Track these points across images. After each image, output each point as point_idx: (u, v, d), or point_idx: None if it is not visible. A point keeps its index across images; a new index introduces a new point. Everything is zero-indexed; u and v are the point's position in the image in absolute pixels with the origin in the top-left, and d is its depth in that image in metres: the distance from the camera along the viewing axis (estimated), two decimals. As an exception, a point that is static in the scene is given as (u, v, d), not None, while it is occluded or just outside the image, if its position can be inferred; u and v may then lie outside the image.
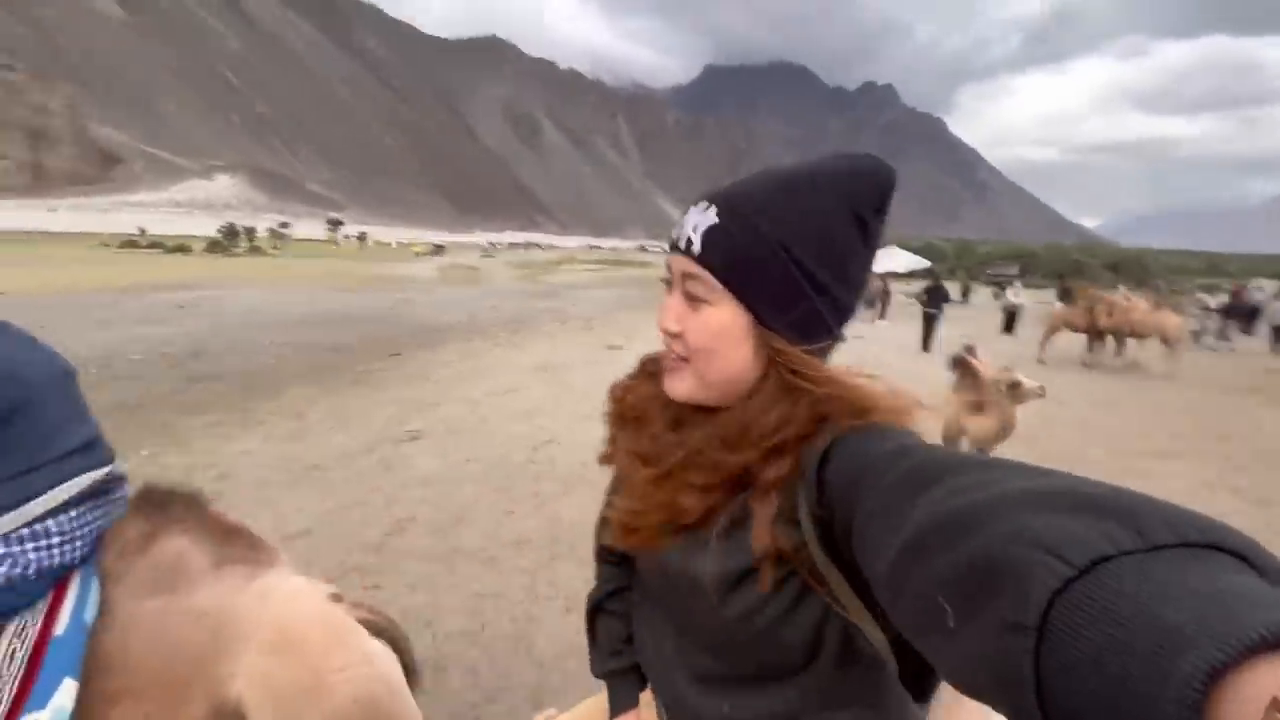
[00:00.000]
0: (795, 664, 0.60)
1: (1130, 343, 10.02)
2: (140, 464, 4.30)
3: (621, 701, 0.84)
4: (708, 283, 0.57)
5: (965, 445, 3.95)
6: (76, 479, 0.75)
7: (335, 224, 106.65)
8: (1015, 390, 3.66)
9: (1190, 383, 8.77)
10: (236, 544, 0.88)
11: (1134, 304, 10.01)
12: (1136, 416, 6.72)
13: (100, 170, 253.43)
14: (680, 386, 0.62)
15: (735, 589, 0.58)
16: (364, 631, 0.92)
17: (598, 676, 0.86)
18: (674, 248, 0.60)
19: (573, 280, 28.05)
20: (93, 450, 0.79)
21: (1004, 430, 3.79)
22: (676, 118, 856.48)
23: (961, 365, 4.00)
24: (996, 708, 0.27)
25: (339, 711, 0.81)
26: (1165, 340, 9.46)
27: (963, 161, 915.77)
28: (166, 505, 0.85)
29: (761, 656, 0.61)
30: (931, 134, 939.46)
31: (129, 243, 43.78)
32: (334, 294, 17.15)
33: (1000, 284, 23.86)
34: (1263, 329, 13.28)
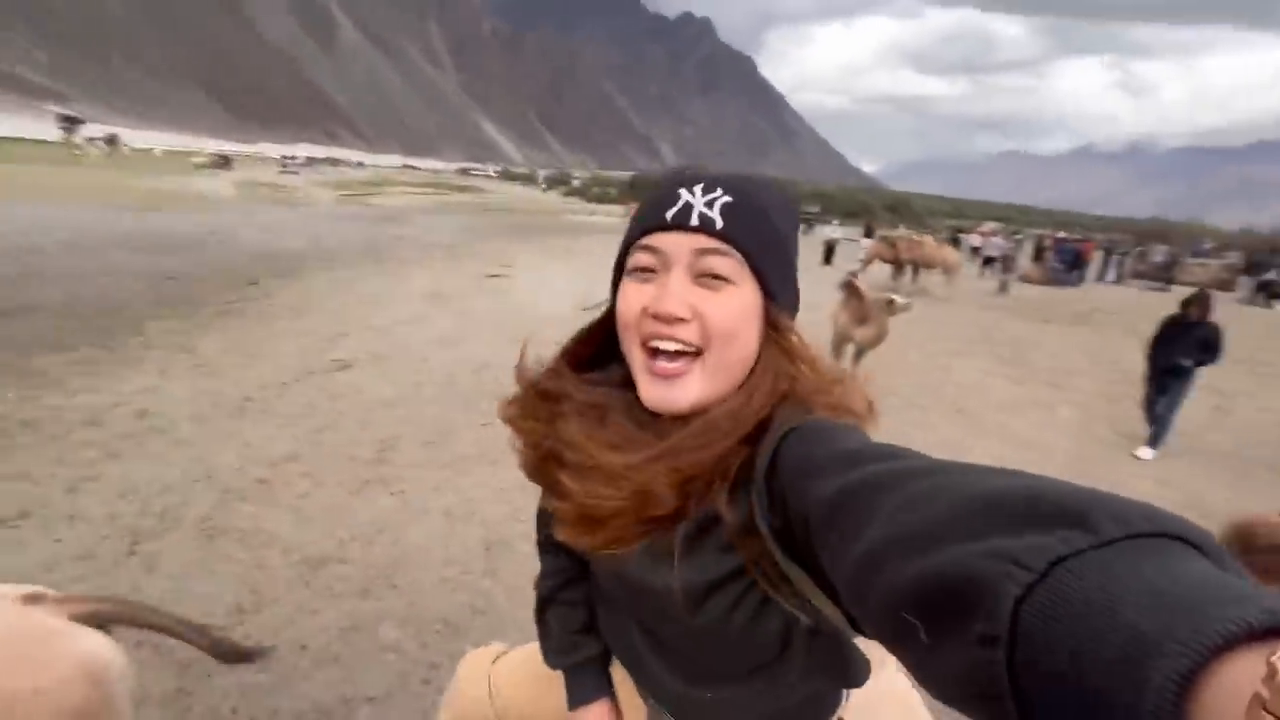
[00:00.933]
0: (770, 657, 0.62)
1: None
2: (13, 408, 3.82)
3: (582, 694, 0.79)
4: (733, 260, 0.56)
5: (851, 347, 5.13)
6: None
7: (71, 122, 79.20)
8: (890, 306, 4.84)
9: (964, 304, 11.30)
10: None
11: (925, 240, 12.39)
12: (934, 328, 8.65)
13: None
14: (689, 393, 0.57)
15: (705, 601, 0.58)
16: (76, 630, 0.85)
17: (554, 669, 0.81)
18: (671, 225, 0.56)
19: (405, 204, 26.00)
20: None
21: (880, 336, 5.03)
22: (493, 26, 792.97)
23: (849, 288, 5.10)
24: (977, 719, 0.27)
25: None
26: (946, 270, 11.93)
27: (771, 103, 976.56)
28: None
29: (737, 655, 0.62)
30: (744, 73, 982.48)
31: None
32: (128, 214, 14.31)
33: (808, 221, 26.89)
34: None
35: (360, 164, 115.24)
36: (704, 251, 0.55)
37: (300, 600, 2.37)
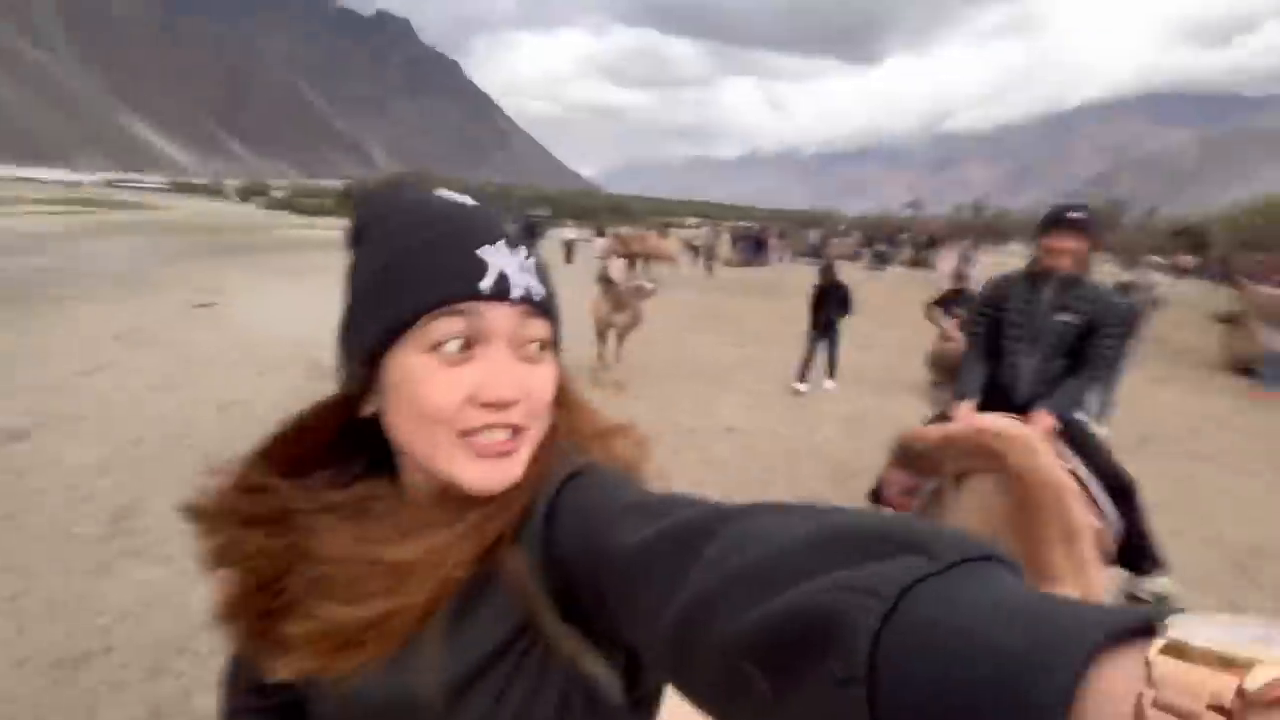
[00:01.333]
0: None
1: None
2: None
3: None
4: (549, 334, 0.50)
5: (613, 332, 5.79)
6: None
7: None
8: (641, 292, 5.59)
9: (686, 287, 13.07)
10: None
11: (649, 235, 14.01)
12: (668, 310, 9.91)
13: None
14: (516, 469, 0.48)
15: (465, 694, 0.47)
16: None
17: None
18: (489, 296, 0.46)
19: (42, 228, 19.72)
20: None
21: (636, 320, 5.80)
22: (127, 5, 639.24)
23: (604, 279, 5.76)
24: None
25: None
26: (668, 260, 13.68)
27: (483, 107, 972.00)
28: None
29: None
30: (451, 76, 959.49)
31: None
32: None
33: (538, 225, 27.92)
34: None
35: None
36: (527, 325, 0.49)
37: (67, 705, 1.98)
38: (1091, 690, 0.20)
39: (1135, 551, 2.10)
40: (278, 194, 60.58)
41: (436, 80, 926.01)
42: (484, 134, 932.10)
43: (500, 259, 0.48)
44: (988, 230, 45.70)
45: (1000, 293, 2.45)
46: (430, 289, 0.46)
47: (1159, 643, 0.19)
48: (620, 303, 5.63)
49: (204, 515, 0.51)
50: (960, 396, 2.44)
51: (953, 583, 0.25)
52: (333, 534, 0.49)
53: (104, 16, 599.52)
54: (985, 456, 1.67)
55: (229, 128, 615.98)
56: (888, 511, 1.97)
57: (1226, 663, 0.18)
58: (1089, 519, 1.68)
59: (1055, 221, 2.29)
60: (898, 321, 10.07)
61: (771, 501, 0.37)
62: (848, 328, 6.49)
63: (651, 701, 0.54)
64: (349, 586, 0.46)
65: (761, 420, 5.21)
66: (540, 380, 0.50)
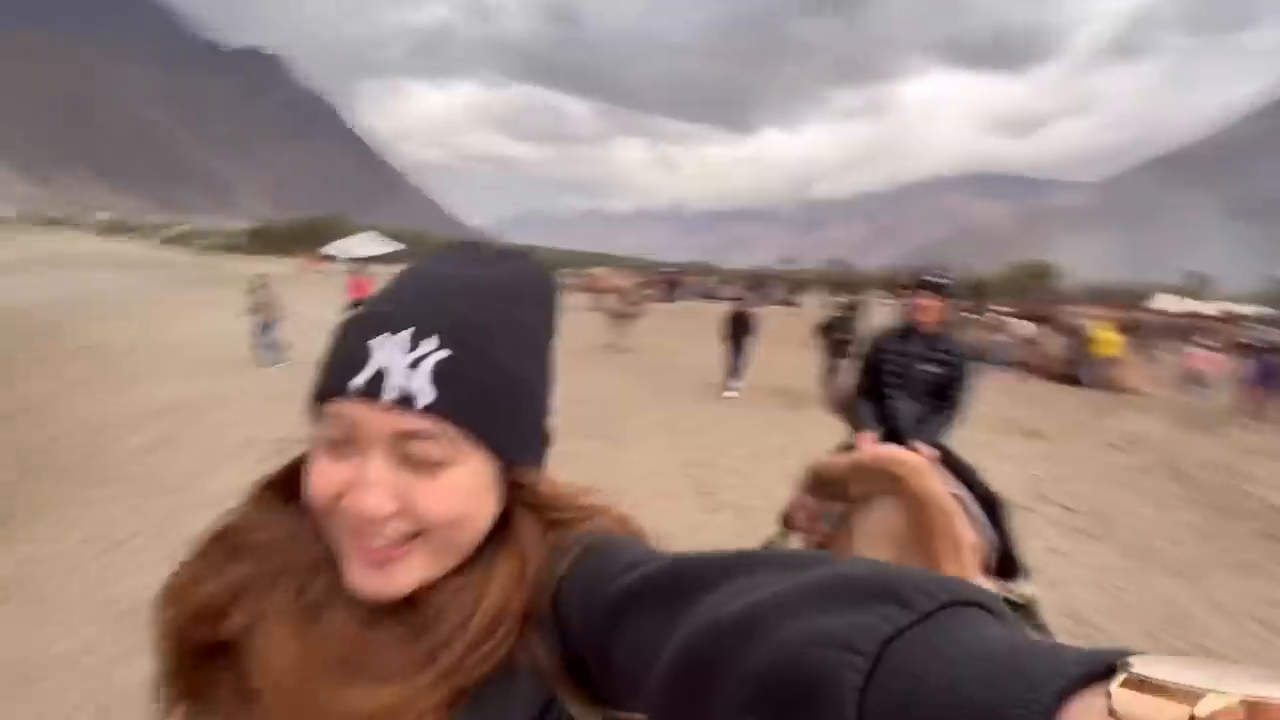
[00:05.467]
0: None
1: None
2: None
3: None
4: (448, 439, 0.44)
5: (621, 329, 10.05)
6: None
7: None
8: (637, 305, 10.00)
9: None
10: None
11: (603, 276, 18.17)
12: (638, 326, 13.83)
13: None
14: (409, 577, 0.44)
15: None
16: None
17: None
18: (359, 395, 0.43)
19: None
20: None
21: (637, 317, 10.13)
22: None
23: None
24: None
25: None
26: (619, 292, 17.75)
27: (369, 152, 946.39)
28: None
29: None
30: (332, 120, 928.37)
31: None
32: None
33: None
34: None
35: None
36: (406, 435, 0.43)
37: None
38: None
39: (1007, 561, 2.25)
40: (175, 230, 57.16)
41: (317, 123, 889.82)
42: (371, 180, 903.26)
43: (386, 354, 0.43)
44: (846, 283, 55.69)
45: (879, 344, 2.83)
46: (320, 378, 0.45)
47: (1120, 676, 0.21)
48: (626, 316, 10.30)
49: (202, 539, 0.50)
50: (859, 429, 2.72)
51: (929, 633, 0.26)
52: (278, 631, 0.44)
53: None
54: (887, 480, 1.77)
55: (77, 159, 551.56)
56: (799, 537, 2.14)
57: (1181, 694, 0.19)
58: (971, 535, 1.81)
59: (921, 284, 2.66)
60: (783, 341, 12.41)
61: (751, 551, 0.37)
62: (753, 346, 8.97)
63: None
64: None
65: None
66: (430, 496, 0.43)
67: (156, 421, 5.67)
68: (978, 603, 0.28)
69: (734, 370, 8.78)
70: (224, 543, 0.49)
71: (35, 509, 3.83)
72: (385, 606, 0.45)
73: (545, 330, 0.52)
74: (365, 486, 0.42)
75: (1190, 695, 0.19)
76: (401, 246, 32.92)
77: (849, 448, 2.60)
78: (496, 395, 0.46)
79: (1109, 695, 0.20)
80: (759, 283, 38.99)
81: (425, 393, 0.43)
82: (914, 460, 1.83)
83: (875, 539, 1.79)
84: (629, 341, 11.52)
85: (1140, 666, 0.21)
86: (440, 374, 0.43)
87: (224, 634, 0.45)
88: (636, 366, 9.84)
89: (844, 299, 13.24)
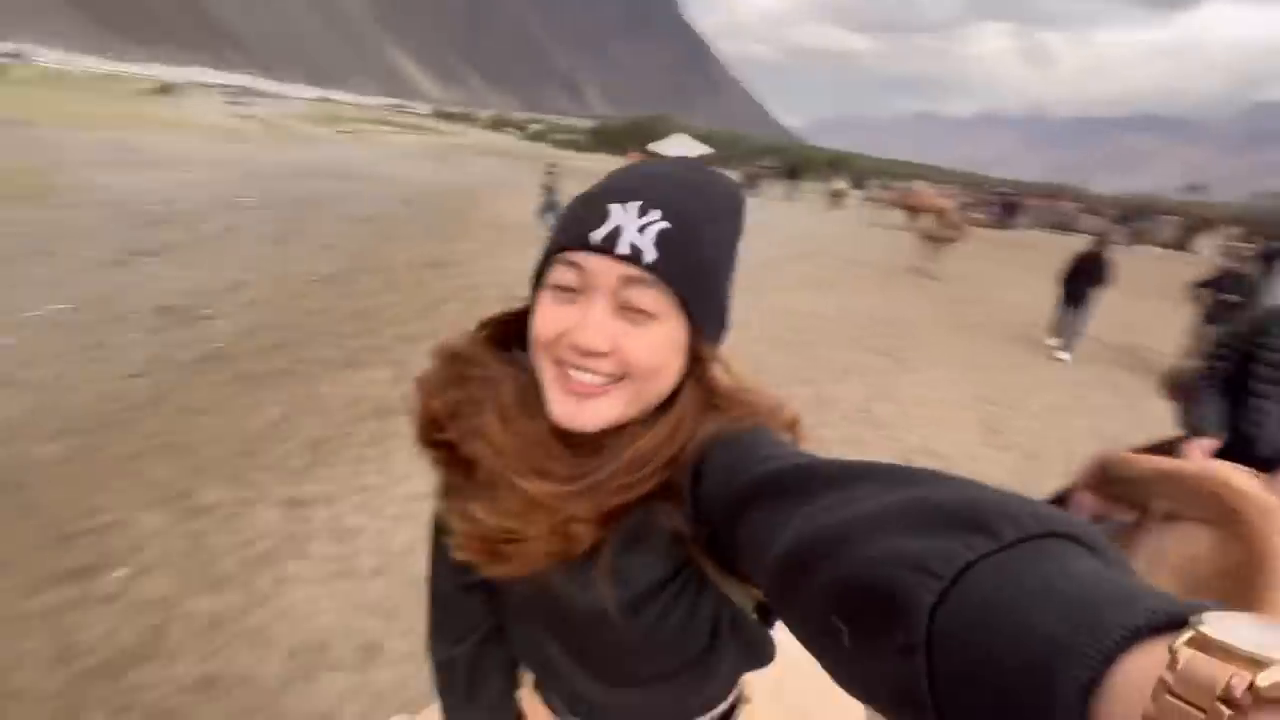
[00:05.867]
0: (699, 651, 0.61)
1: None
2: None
3: None
4: (659, 294, 0.51)
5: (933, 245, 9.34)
6: None
7: None
8: (956, 228, 9.06)
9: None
10: None
11: (923, 192, 16.50)
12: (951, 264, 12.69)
13: None
14: (605, 414, 0.53)
15: (637, 613, 0.56)
16: None
17: None
18: (598, 248, 0.51)
19: (436, 145, 26.56)
20: None
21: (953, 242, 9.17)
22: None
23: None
24: None
25: None
26: (940, 212, 16.04)
27: (696, 51, 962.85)
28: None
29: (668, 656, 0.61)
30: (668, 13, 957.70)
31: None
32: (247, 149, 15.82)
33: (755, 178, 29.68)
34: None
35: (278, 94, 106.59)
36: (630, 282, 0.51)
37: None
38: (1117, 674, 0.21)
39: None
40: (533, 129, 68.90)
41: (651, 17, 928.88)
42: (694, 79, 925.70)
43: (621, 217, 0.51)
44: (1275, 226, 39.22)
45: (1257, 328, 2.08)
46: (560, 236, 0.54)
47: (1186, 634, 0.20)
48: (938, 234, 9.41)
49: (439, 352, 0.62)
50: (1194, 431, 2.07)
51: (1010, 561, 0.27)
52: (486, 416, 0.56)
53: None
54: (1214, 508, 1.60)
55: (469, 60, 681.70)
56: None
57: (1245, 659, 0.19)
58: None
59: None
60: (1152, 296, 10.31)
61: (872, 464, 0.39)
62: (1096, 301, 6.41)
63: None
64: (494, 497, 0.54)
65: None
66: (638, 342, 0.51)
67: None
68: (1072, 535, 0.28)
69: (1065, 329, 6.47)
70: (451, 365, 0.60)
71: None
72: (565, 432, 0.54)
73: (734, 234, 0.59)
74: (589, 326, 0.51)
75: (1255, 663, 0.19)
76: (709, 150, 33.64)
77: (1167, 447, 2.09)
78: (699, 271, 0.53)
79: (1171, 650, 0.20)
80: (1138, 213, 29.23)
81: (650, 251, 0.50)
82: (1266, 499, 1.47)
83: (1170, 569, 1.43)
84: (939, 268, 10.22)
85: (1211, 624, 0.20)
86: (661, 240, 0.51)
87: (446, 437, 0.59)
88: (943, 295, 9.01)
89: (1254, 247, 9.27)
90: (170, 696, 1.81)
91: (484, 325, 0.63)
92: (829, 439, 3.89)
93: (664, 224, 0.51)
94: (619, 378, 0.53)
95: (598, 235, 0.51)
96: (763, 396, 0.57)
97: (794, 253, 10.68)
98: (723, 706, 0.72)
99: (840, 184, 20.50)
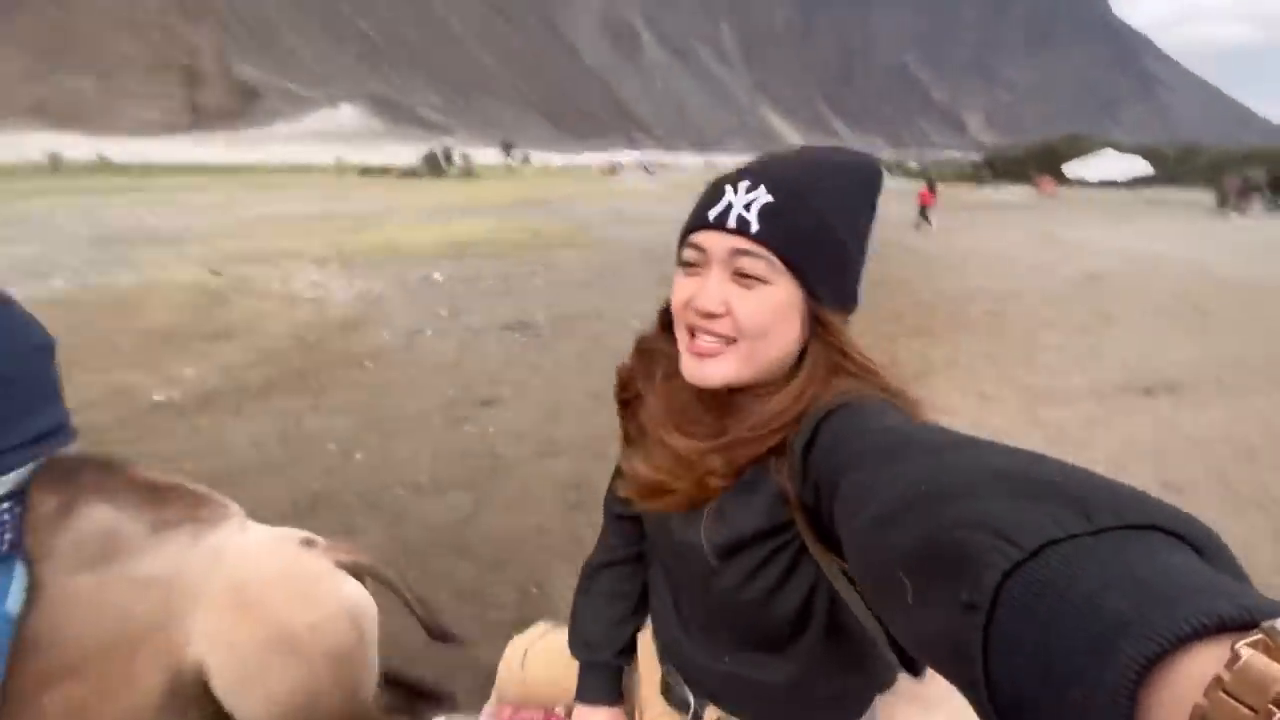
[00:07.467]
0: (783, 636, 0.65)
1: None
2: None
3: (591, 693, 0.83)
4: (767, 261, 0.58)
5: None
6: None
7: (507, 148, 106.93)
8: None
9: None
10: (174, 504, 0.83)
11: None
12: None
13: (243, 105, 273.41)
14: (720, 370, 0.61)
15: (730, 558, 0.63)
16: (340, 576, 0.91)
17: (574, 657, 0.85)
18: (712, 225, 0.60)
19: None
20: (60, 434, 0.78)
21: None
22: (786, 19, 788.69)
23: None
24: (950, 679, 0.29)
25: (308, 667, 0.82)
26: None
27: (1125, 48, 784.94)
28: (76, 473, 0.79)
29: (751, 626, 0.66)
30: (1088, 16, 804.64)
31: (364, 170, 50.42)
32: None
33: (1232, 195, 22.86)
34: None
35: (674, 165, 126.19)
36: (738, 252, 0.58)
37: None
38: (1178, 661, 0.21)
39: None
40: (911, 165, 66.72)
41: (1066, 24, 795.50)
42: (1117, 81, 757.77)
43: (731, 195, 0.60)
44: None
45: None
46: (689, 220, 0.63)
47: (1253, 636, 0.20)
48: None
49: (638, 338, 0.76)
50: None
51: (1099, 546, 0.26)
52: (651, 402, 0.70)
53: (768, 32, 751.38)
54: None
55: (834, 108, 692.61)
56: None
57: None
58: None
59: None
60: None
61: (981, 440, 0.40)
62: None
63: None
64: (649, 452, 0.67)
65: None
66: (747, 304, 0.59)
67: (998, 299, 7.29)
68: (1178, 533, 0.27)
69: None
70: (639, 345, 0.75)
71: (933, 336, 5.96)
72: (708, 392, 0.64)
73: (863, 204, 0.63)
74: (707, 291, 0.60)
75: None
76: (1144, 165, 27.17)
77: None
78: (807, 236, 0.59)
79: (1234, 649, 0.20)
80: None
81: (754, 224, 0.58)
82: None
83: None
84: None
85: None
86: (763, 213, 0.58)
87: (629, 395, 0.75)
88: None
89: None
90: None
91: (662, 311, 0.73)
92: None
93: (768, 198, 0.58)
94: (732, 340, 0.60)
95: (713, 214, 0.60)
96: (891, 372, 0.61)
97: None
98: None
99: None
